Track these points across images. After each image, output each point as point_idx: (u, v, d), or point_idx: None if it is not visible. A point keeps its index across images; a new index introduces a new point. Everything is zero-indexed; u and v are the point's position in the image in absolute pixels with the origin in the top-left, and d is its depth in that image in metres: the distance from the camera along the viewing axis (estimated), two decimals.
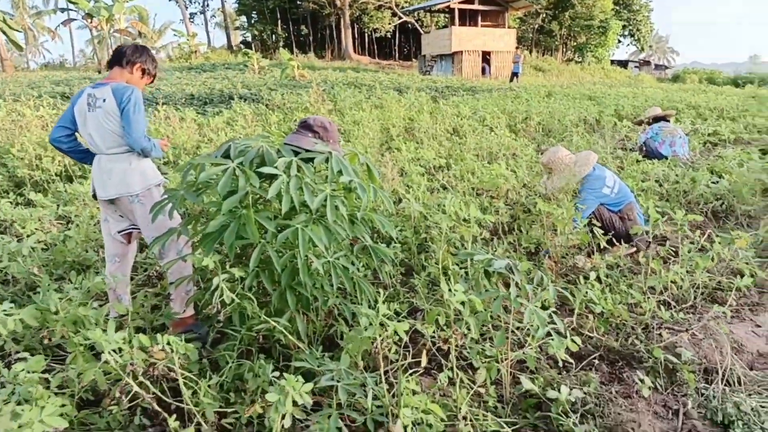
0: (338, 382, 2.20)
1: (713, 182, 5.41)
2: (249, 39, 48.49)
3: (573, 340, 2.38)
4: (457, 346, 2.36)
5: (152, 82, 3.24)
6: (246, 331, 2.52)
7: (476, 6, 31.67)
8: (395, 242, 3.52)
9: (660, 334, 2.98)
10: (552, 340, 2.36)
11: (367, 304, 2.79)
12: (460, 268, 3.17)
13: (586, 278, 3.51)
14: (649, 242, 3.28)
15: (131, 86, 2.91)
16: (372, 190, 2.72)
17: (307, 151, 2.67)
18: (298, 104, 10.77)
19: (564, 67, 38.44)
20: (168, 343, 2.17)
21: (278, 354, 2.80)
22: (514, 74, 26.79)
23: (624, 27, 46.21)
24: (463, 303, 2.27)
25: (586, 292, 2.76)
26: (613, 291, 3.29)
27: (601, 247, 3.69)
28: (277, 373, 2.14)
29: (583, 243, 3.69)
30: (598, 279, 3.04)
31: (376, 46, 48.32)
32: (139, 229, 3.04)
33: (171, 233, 2.63)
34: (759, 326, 3.24)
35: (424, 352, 2.30)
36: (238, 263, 2.71)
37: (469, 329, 2.33)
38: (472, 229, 2.98)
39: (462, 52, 30.42)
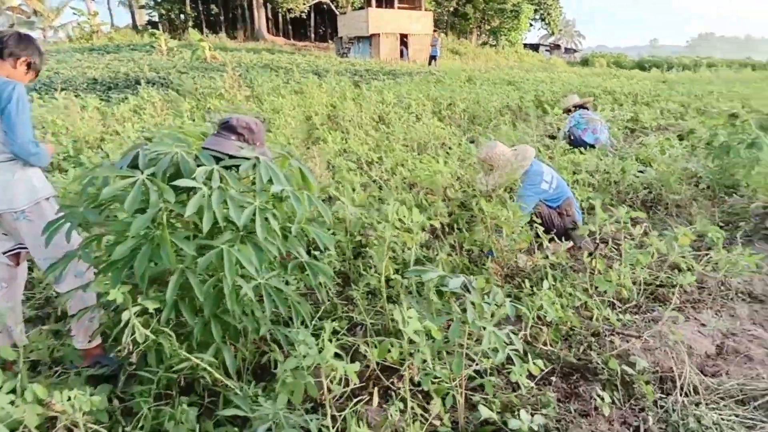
0: (276, 428, 1.89)
1: (640, 171, 5.42)
2: (155, 18, 45.86)
3: (535, 363, 2.18)
4: (411, 378, 2.10)
5: (36, 77, 2.74)
6: (164, 372, 2.16)
7: None
8: (328, 250, 3.22)
9: (612, 341, 2.85)
10: (512, 365, 2.16)
11: (301, 320, 2.49)
12: (403, 278, 2.93)
13: (530, 279, 3.36)
14: (597, 244, 3.15)
15: (13, 81, 2.42)
16: (306, 198, 2.40)
17: (230, 157, 2.31)
18: (211, 90, 10.14)
19: (479, 51, 38.95)
20: (69, 399, 1.79)
21: (202, 388, 2.44)
22: (432, 57, 26.84)
23: (535, 11, 47.32)
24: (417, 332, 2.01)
25: (541, 305, 2.57)
26: (561, 294, 3.13)
27: (544, 246, 3.54)
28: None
29: (526, 242, 3.53)
30: (549, 285, 2.86)
31: (291, 27, 47.19)
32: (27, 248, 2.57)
33: (69, 259, 2.20)
34: (704, 325, 3.17)
35: (375, 391, 2.03)
36: (150, 288, 2.33)
37: (424, 360, 2.07)
38: (416, 237, 2.73)
39: (379, 34, 30.11)
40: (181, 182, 2.02)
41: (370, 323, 2.89)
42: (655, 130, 8.08)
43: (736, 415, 2.38)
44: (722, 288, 3.58)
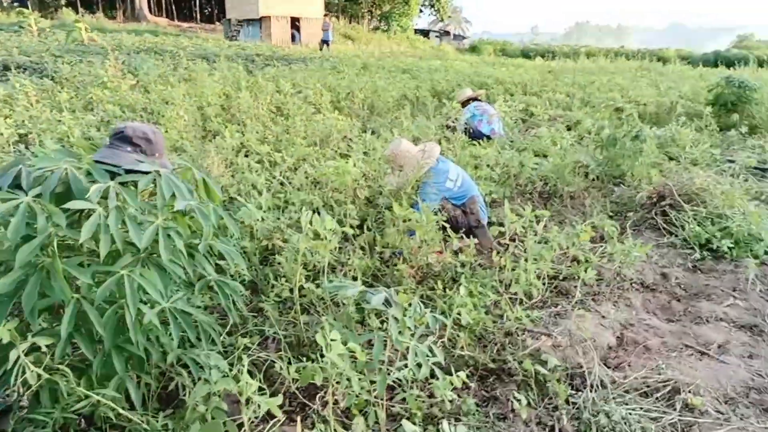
0: None
1: (536, 164, 5.61)
2: None
3: (458, 376, 2.18)
4: (336, 402, 2.03)
5: None
6: (60, 413, 1.95)
7: None
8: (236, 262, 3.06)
9: (524, 341, 2.93)
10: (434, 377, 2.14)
11: (208, 337, 2.34)
12: (317, 287, 2.84)
13: (442, 280, 3.38)
14: (507, 245, 3.21)
15: None
16: (212, 211, 2.24)
17: (127, 171, 2.11)
18: (92, 77, 9.39)
19: (372, 36, 39.04)
20: None
21: (103, 421, 2.24)
22: (324, 42, 26.50)
23: None
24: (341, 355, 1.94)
25: (459, 311, 2.58)
26: (472, 293, 3.16)
27: (454, 245, 3.57)
28: None
29: (435, 242, 3.54)
30: (465, 291, 2.87)
31: (174, 7, 45.05)
32: None
33: None
34: (604, 317, 3.33)
35: (299, 419, 1.94)
36: (41, 316, 2.09)
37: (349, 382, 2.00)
38: (329, 245, 2.64)
39: (270, 17, 29.35)
40: (73, 204, 1.81)
41: (283, 335, 2.79)
42: (546, 122, 8.41)
43: (642, 408, 2.50)
44: (618, 279, 3.77)
